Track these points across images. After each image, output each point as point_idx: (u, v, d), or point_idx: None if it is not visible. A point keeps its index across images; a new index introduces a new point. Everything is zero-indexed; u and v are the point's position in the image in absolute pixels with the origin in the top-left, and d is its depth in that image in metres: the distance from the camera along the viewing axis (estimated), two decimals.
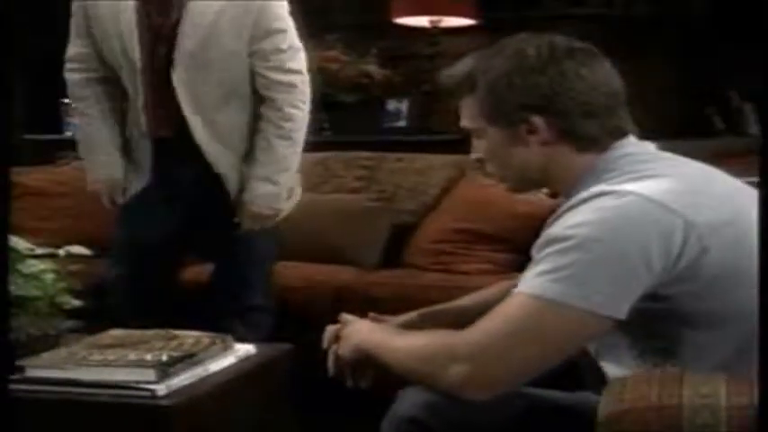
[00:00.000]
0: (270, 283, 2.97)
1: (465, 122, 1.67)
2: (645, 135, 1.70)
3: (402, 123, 4.73)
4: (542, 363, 1.49)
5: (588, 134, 1.60)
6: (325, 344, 1.83)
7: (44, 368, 1.92)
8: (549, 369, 1.50)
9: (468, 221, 3.43)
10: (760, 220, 1.45)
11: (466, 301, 2.00)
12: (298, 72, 2.81)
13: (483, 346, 1.48)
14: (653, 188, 1.49)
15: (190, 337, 2.17)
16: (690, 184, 1.53)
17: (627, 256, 1.44)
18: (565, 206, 1.54)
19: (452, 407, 1.53)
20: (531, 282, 1.48)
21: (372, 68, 4.79)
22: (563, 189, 1.64)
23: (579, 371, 1.70)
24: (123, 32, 2.72)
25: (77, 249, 2.22)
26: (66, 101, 5.10)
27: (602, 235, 1.45)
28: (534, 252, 1.52)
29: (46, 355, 2.00)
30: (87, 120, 2.92)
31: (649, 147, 1.66)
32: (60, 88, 5.18)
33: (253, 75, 2.77)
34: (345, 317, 1.83)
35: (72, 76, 2.92)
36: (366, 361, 1.70)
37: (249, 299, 2.92)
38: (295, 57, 2.81)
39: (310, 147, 4.20)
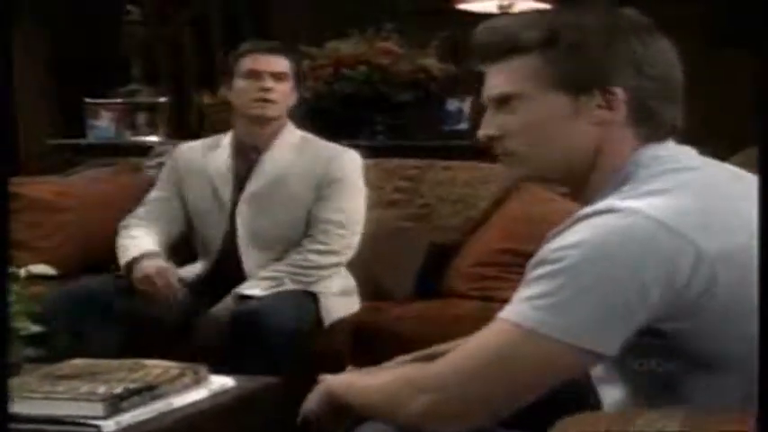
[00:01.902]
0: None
1: (505, 87, 1.64)
2: None
3: (463, 126, 4.80)
4: (515, 397, 1.54)
5: (661, 120, 1.63)
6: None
7: None
8: (525, 403, 1.55)
9: (516, 240, 3.48)
10: (760, 221, 1.45)
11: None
12: (347, 212, 3.40)
13: (451, 376, 1.55)
14: (665, 207, 1.50)
15: (158, 367, 2.29)
16: (711, 202, 1.54)
17: (620, 286, 1.47)
18: (568, 220, 1.57)
19: None
20: (514, 307, 1.53)
21: (430, 62, 4.87)
22: (591, 190, 1.65)
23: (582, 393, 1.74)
24: (215, 178, 3.46)
25: (40, 269, 2.36)
26: (90, 100, 5.33)
27: (596, 259, 1.48)
28: (527, 270, 1.56)
29: None
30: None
31: (684, 151, 1.66)
32: (84, 87, 5.47)
33: (309, 217, 3.40)
34: (324, 377, 1.90)
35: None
36: (341, 406, 1.78)
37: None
38: (355, 203, 3.44)
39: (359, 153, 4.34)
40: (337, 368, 1.98)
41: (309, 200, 3.40)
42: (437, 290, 3.63)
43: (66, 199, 4.07)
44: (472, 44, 1.70)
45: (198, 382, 2.29)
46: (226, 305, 3.23)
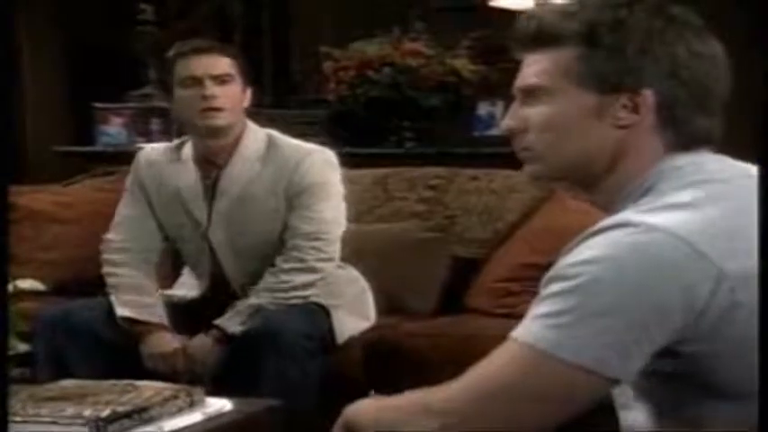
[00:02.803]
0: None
1: (532, 79, 1.66)
2: None
3: (494, 131, 4.79)
4: (524, 423, 1.55)
5: (692, 129, 1.63)
6: None
7: None
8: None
9: (545, 255, 3.44)
10: (760, 220, 1.50)
11: None
12: (324, 222, 3.31)
13: (459, 401, 1.56)
14: (685, 223, 1.50)
15: (149, 389, 2.33)
16: (737, 219, 1.54)
17: (638, 307, 1.48)
18: (583, 234, 1.57)
19: None
20: (527, 326, 1.54)
21: (461, 64, 4.88)
22: (608, 194, 1.66)
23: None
24: (184, 194, 3.38)
25: (29, 284, 2.39)
26: (99, 105, 5.38)
27: (613, 278, 1.48)
28: (541, 287, 1.57)
29: None
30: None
31: (716, 160, 1.65)
32: (97, 89, 5.52)
33: (285, 227, 3.33)
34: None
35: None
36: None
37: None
38: (328, 207, 3.33)
39: (377, 160, 4.36)
40: (349, 389, 1.99)
41: (282, 210, 3.32)
42: (461, 306, 3.64)
43: (67, 210, 4.13)
44: (512, 31, 1.70)
45: (192, 404, 2.32)
46: (203, 341, 3.23)
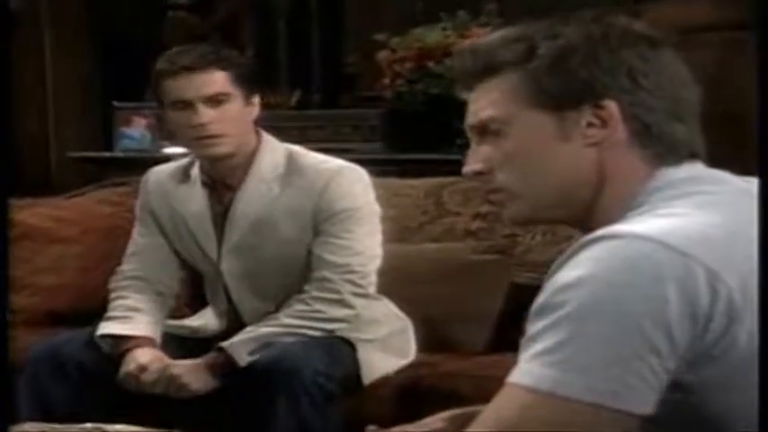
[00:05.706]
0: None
1: (483, 112, 1.75)
2: None
3: None
4: None
5: (673, 140, 1.70)
6: None
7: None
8: None
9: None
10: (760, 222, 1.56)
11: None
12: (357, 253, 3.34)
13: None
14: (674, 231, 1.55)
15: None
16: (730, 229, 1.59)
17: (641, 327, 1.51)
18: (568, 251, 1.61)
19: None
20: (524, 367, 1.57)
21: None
22: (599, 224, 1.68)
23: None
24: (191, 224, 3.46)
25: None
26: (119, 104, 5.45)
27: (604, 298, 1.52)
28: (528, 323, 1.60)
29: None
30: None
31: (711, 174, 1.72)
32: (117, 84, 5.60)
33: (310, 255, 3.37)
34: None
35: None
36: None
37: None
38: (363, 236, 3.36)
39: (438, 167, 4.36)
40: None
41: (307, 237, 3.36)
42: (518, 342, 3.63)
43: (66, 226, 4.19)
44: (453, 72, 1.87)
45: None
46: (194, 364, 3.27)
